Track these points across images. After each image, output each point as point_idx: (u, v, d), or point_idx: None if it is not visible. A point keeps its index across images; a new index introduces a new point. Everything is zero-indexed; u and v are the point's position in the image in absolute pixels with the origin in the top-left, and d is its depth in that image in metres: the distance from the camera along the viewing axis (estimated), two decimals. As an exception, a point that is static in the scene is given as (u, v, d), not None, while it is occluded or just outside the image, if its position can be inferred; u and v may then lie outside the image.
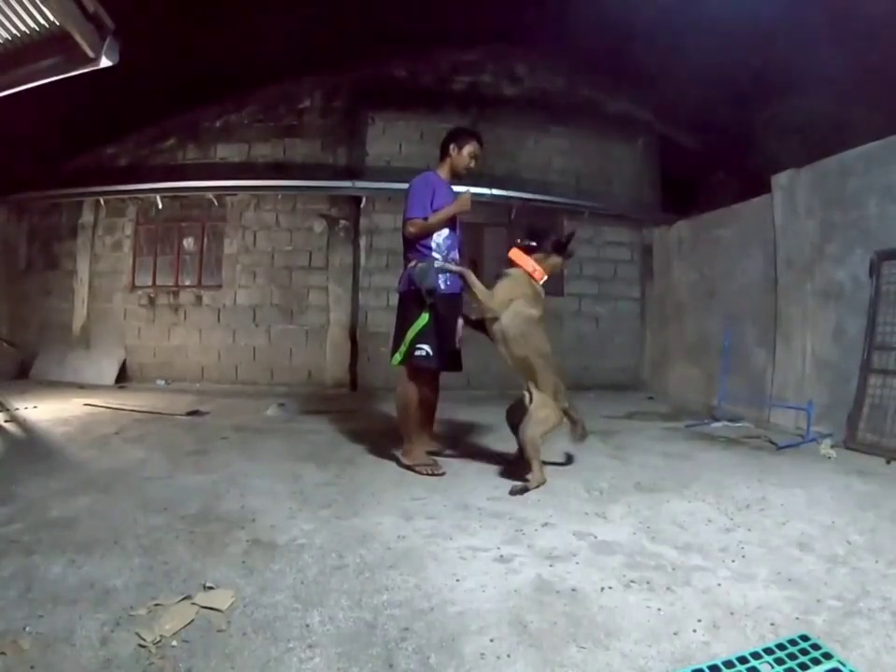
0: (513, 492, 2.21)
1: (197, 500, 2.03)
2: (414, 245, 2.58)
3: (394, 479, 2.41)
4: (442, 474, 2.45)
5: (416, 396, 2.57)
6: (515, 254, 2.46)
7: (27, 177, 5.57)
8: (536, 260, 2.43)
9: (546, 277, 2.46)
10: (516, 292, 2.37)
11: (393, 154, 5.81)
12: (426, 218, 2.53)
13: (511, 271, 2.44)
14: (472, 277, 2.37)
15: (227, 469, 2.49)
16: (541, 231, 2.57)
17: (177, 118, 5.86)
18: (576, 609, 1.30)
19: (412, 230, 2.54)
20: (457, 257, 2.68)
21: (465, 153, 2.66)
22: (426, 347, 2.47)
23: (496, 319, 2.35)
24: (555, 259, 2.50)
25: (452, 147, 2.67)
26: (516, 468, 2.41)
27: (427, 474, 2.45)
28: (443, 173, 2.70)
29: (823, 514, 1.99)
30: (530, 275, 2.41)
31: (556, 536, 1.77)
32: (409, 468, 2.51)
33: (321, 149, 5.86)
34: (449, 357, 2.59)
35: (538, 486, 2.25)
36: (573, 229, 2.60)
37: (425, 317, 2.48)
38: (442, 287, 2.52)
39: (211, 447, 2.93)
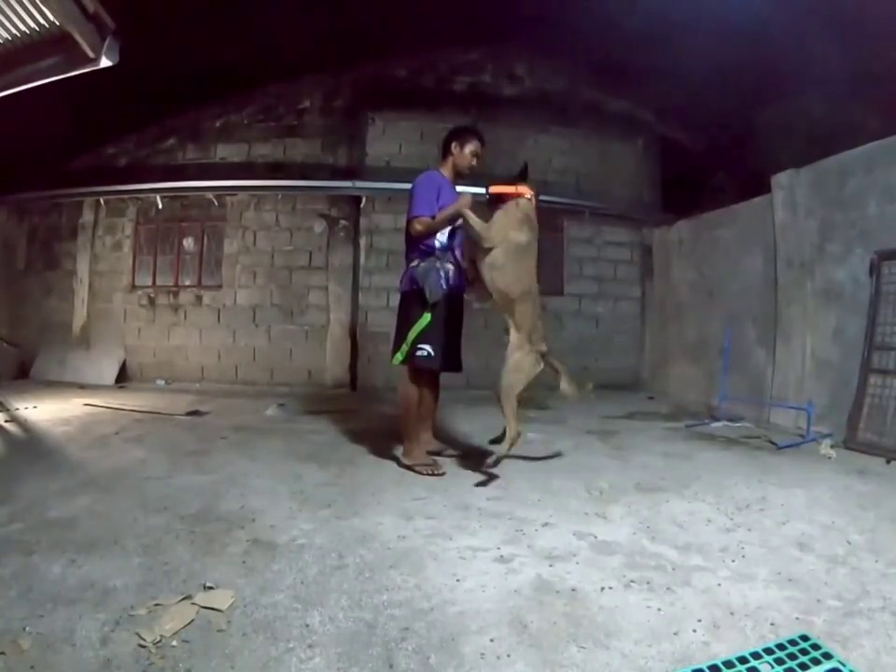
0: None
1: (197, 500, 2.03)
2: (417, 244, 2.58)
3: (394, 479, 2.41)
4: (443, 474, 2.45)
5: (417, 396, 2.57)
6: (495, 189, 2.46)
7: (27, 177, 5.57)
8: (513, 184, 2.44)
9: (533, 193, 2.45)
10: (509, 220, 2.37)
11: (393, 154, 5.81)
12: (433, 217, 2.53)
13: (506, 206, 2.41)
14: (468, 213, 2.39)
15: (227, 468, 2.49)
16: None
17: (177, 118, 5.86)
18: (576, 608, 1.30)
19: (419, 227, 2.53)
20: (460, 256, 2.68)
21: (467, 151, 2.66)
22: (427, 347, 2.46)
23: (490, 250, 2.34)
24: (525, 187, 2.49)
25: (453, 145, 2.67)
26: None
27: (428, 474, 2.44)
28: (446, 171, 2.70)
29: (823, 514, 1.99)
30: (520, 196, 2.40)
31: (556, 536, 1.77)
32: (409, 467, 2.51)
33: (321, 149, 5.86)
34: (450, 358, 2.59)
35: (511, 446, 2.29)
36: (524, 161, 2.61)
37: (427, 317, 2.47)
38: (445, 286, 2.52)
39: (211, 447, 2.93)
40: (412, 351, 2.50)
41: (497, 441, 2.24)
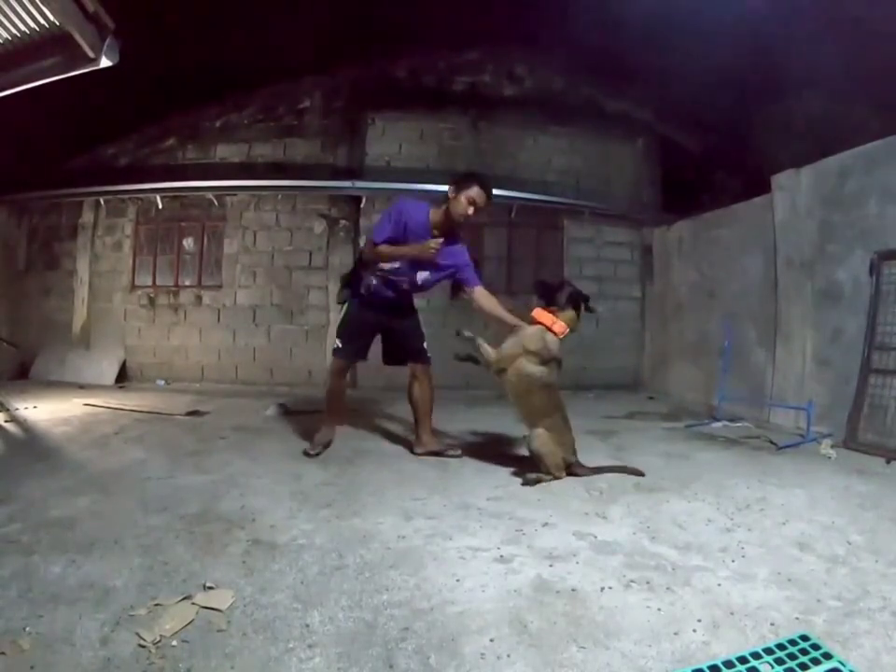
0: (526, 482, 2.30)
1: (197, 500, 2.03)
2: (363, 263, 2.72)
3: (394, 479, 2.41)
4: (317, 455, 2.70)
5: (331, 384, 2.91)
6: (538, 313, 2.45)
7: (27, 177, 5.57)
8: (553, 313, 2.43)
9: (567, 331, 2.43)
10: (519, 349, 2.38)
11: (393, 154, 5.81)
12: (380, 244, 2.57)
13: (528, 327, 2.43)
14: (480, 343, 2.47)
15: (227, 468, 2.49)
16: (554, 285, 2.54)
17: (177, 118, 5.85)
18: (576, 608, 1.30)
19: (367, 252, 2.66)
20: (398, 279, 2.68)
21: (462, 198, 2.51)
22: (338, 341, 2.78)
23: (503, 370, 2.41)
24: (571, 312, 2.47)
25: (451, 189, 2.55)
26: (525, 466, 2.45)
27: (306, 452, 2.72)
28: (437, 216, 2.59)
29: (823, 514, 1.99)
30: (549, 329, 2.39)
31: (556, 536, 1.77)
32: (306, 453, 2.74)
33: (321, 149, 5.86)
34: (359, 351, 2.83)
35: (552, 477, 2.35)
36: (588, 295, 2.60)
37: (342, 317, 2.80)
38: (363, 291, 2.68)
39: (211, 447, 2.93)
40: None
41: (531, 482, 2.31)
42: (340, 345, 2.77)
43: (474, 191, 2.52)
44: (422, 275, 2.64)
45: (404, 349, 2.84)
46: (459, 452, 2.82)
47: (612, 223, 6.10)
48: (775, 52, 4.10)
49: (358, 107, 5.85)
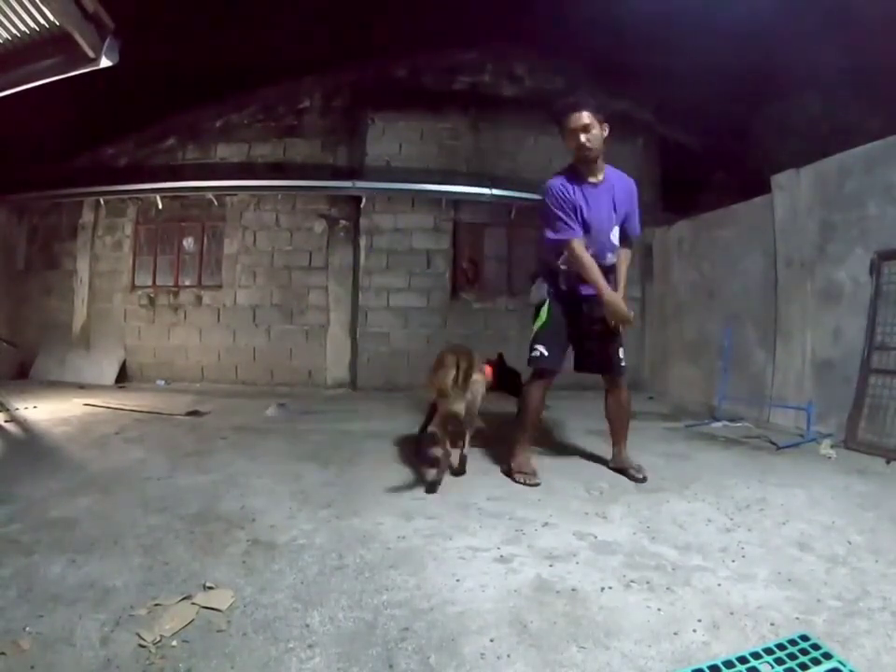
0: (430, 490, 2.16)
1: (197, 500, 2.03)
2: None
3: (394, 479, 2.41)
4: (537, 484, 2.28)
5: (529, 398, 2.45)
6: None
7: (27, 177, 5.57)
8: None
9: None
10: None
11: (393, 154, 5.81)
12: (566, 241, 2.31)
13: None
14: None
15: (227, 469, 2.49)
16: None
17: (177, 118, 5.86)
18: (576, 608, 1.30)
19: (555, 259, 2.38)
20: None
21: (566, 138, 2.32)
22: (540, 348, 2.40)
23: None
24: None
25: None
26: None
27: (521, 483, 2.30)
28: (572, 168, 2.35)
29: (823, 514, 1.99)
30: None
31: (556, 536, 1.77)
32: (507, 473, 2.41)
33: (321, 149, 5.87)
34: (561, 358, 2.45)
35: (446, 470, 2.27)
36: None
37: (542, 317, 2.43)
38: (563, 287, 2.42)
39: (211, 447, 2.93)
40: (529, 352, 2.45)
41: (432, 489, 2.17)
42: (544, 352, 2.37)
43: (565, 123, 2.30)
44: (609, 258, 2.43)
45: (597, 356, 2.50)
46: (642, 476, 2.42)
47: (612, 223, 6.09)
48: (775, 52, 4.11)
49: (358, 107, 5.85)
